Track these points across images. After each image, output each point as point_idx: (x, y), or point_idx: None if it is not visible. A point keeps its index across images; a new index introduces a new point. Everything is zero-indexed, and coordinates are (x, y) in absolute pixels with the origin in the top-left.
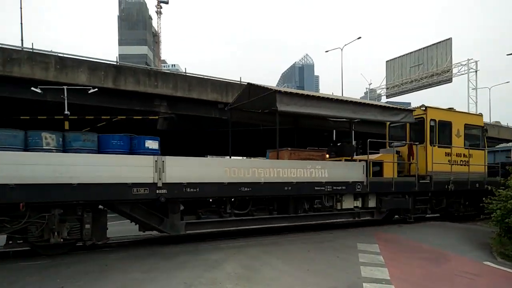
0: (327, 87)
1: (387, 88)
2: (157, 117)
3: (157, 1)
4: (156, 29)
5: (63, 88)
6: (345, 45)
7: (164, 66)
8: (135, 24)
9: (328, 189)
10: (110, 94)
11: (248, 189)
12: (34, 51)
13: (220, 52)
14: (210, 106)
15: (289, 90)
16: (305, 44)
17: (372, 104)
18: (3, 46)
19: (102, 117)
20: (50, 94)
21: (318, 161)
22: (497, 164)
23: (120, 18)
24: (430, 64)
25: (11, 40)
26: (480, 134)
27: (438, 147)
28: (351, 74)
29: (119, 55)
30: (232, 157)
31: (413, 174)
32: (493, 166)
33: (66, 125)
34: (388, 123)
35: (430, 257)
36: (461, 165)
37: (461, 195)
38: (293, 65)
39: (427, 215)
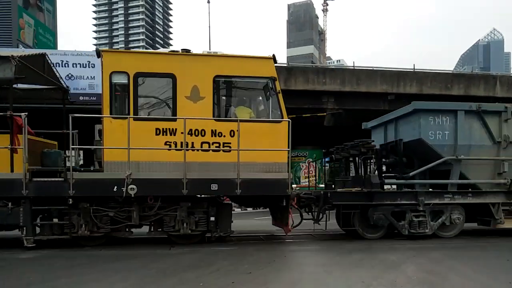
0: None
1: None
2: (325, 113)
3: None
4: (322, 27)
5: None
6: None
7: (329, 63)
8: (302, 26)
9: None
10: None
11: None
12: None
13: (385, 41)
14: (378, 98)
15: None
16: (489, 17)
17: None
18: None
19: None
20: None
21: None
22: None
23: (289, 22)
24: None
25: None
26: (270, 92)
27: (135, 119)
28: None
29: (287, 57)
30: None
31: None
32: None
33: None
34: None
35: None
36: (205, 150)
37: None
38: (475, 44)
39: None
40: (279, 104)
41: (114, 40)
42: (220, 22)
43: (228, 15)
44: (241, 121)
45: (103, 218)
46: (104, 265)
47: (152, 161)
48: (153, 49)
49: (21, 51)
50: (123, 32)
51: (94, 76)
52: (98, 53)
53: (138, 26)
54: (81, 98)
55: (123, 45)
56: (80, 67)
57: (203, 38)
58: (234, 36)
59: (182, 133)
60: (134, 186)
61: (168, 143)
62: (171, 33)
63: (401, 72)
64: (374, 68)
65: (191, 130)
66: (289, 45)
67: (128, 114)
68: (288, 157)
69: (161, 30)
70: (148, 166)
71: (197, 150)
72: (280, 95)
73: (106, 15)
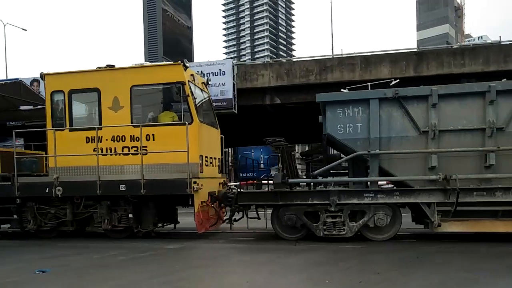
0: None
1: None
2: None
3: None
4: (459, 2)
5: (367, 85)
6: None
7: (468, 41)
8: (435, 3)
9: None
10: (410, 82)
11: None
12: (343, 56)
13: None
14: None
15: None
16: None
17: None
18: (319, 58)
19: None
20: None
21: None
22: None
23: (419, 2)
24: None
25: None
26: (178, 96)
27: (70, 130)
28: None
29: (416, 41)
30: None
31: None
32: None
33: None
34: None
35: None
36: (126, 154)
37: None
38: None
39: None
40: (188, 107)
41: (241, 47)
42: (342, 12)
43: (351, 4)
44: (143, 126)
45: (47, 215)
46: (239, 256)
47: (84, 165)
48: (276, 51)
49: None
50: (249, 39)
51: (224, 83)
52: (42, 77)
53: (263, 37)
54: (214, 104)
55: (249, 56)
56: (213, 75)
57: (326, 32)
58: (358, 26)
59: (106, 140)
60: (61, 188)
61: (96, 149)
62: (293, 32)
63: None
64: None
65: (113, 136)
66: (419, 27)
67: (65, 126)
68: (187, 158)
69: (284, 31)
70: (82, 170)
71: (119, 154)
72: (190, 98)
73: (234, 29)
